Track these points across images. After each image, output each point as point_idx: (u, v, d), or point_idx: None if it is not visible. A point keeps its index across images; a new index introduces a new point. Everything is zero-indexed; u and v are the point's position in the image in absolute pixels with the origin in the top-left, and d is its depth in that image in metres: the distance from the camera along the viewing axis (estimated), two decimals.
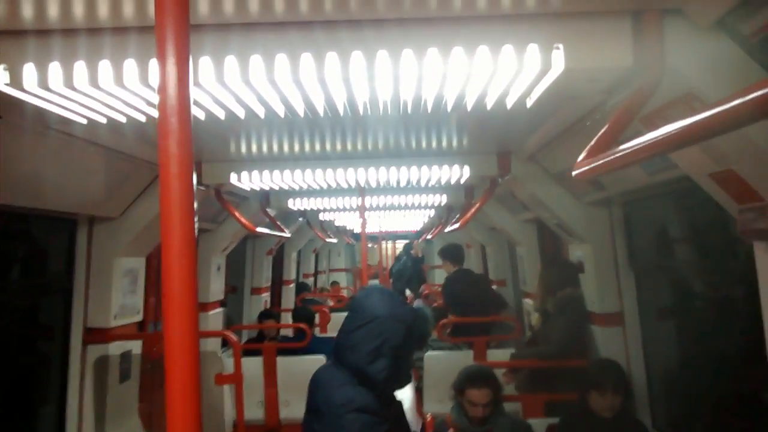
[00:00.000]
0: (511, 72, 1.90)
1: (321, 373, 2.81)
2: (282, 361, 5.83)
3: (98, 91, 1.99)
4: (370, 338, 2.59)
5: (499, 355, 5.87)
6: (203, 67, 1.87)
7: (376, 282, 12.87)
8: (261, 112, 2.34)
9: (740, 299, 3.28)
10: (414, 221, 10.29)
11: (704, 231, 3.52)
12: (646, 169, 2.94)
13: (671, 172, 2.74)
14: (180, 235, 0.92)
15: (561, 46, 1.81)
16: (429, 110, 2.39)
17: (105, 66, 1.89)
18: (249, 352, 6.06)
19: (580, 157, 1.72)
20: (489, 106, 2.30)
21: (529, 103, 2.26)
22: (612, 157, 1.58)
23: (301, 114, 2.39)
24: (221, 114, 2.37)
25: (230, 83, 1.93)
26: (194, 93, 2.07)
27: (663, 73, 1.78)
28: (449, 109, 2.36)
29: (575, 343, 4.20)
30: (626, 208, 4.09)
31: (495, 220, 6.48)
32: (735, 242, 3.26)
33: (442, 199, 6.20)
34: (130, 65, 1.89)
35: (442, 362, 6.00)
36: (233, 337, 4.44)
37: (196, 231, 0.93)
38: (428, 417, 3.90)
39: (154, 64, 1.89)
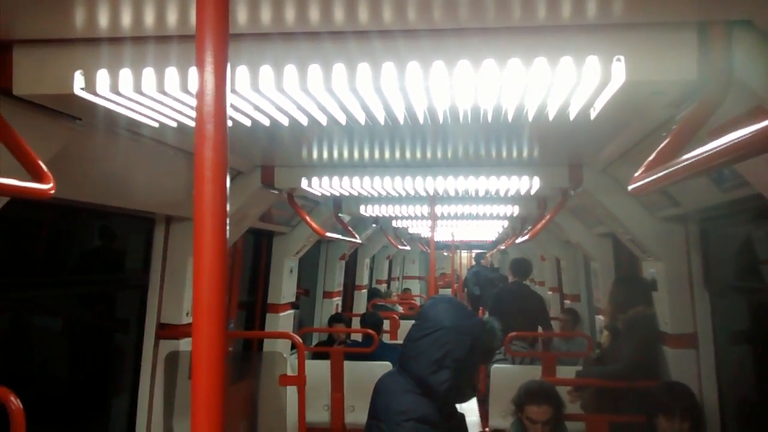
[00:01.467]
0: (570, 84, 1.87)
1: (384, 380, 2.83)
2: (349, 366, 5.88)
3: (164, 96, 2.09)
4: (434, 348, 2.59)
5: (568, 372, 5.74)
6: (262, 74, 1.93)
7: (448, 291, 12.83)
8: (322, 119, 2.40)
9: None
10: (488, 231, 10.19)
11: None
12: (719, 186, 2.82)
13: (744, 189, 2.62)
14: (211, 239, 0.95)
15: (622, 57, 1.77)
16: (490, 120, 2.38)
17: (171, 72, 1.99)
18: (318, 356, 6.15)
19: (638, 172, 1.68)
20: (550, 118, 2.27)
21: (593, 114, 2.22)
22: (667, 171, 1.53)
23: (362, 122, 2.43)
24: (284, 120, 2.44)
25: (289, 90, 1.99)
26: (254, 99, 2.15)
27: (729, 86, 1.71)
28: (509, 119, 2.35)
29: (645, 363, 4.06)
30: (703, 225, 3.92)
31: (569, 234, 6.36)
32: None
33: (515, 210, 6.13)
34: (191, 72, 1.98)
35: (509, 376, 5.91)
36: (298, 339, 4.53)
37: (227, 234, 0.96)
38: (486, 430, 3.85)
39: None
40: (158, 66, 1.99)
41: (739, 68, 1.72)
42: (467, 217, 6.95)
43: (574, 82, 1.85)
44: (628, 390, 3.98)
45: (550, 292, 10.51)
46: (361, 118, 2.40)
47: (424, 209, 6.25)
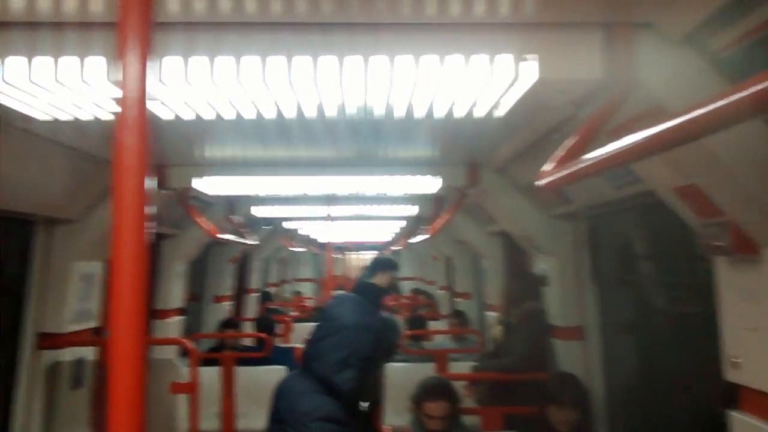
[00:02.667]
0: (482, 81, 1.90)
1: (286, 382, 2.77)
2: (241, 372, 5.72)
3: (61, 86, 1.93)
4: (338, 348, 2.56)
5: (461, 368, 5.87)
6: (169, 65, 1.83)
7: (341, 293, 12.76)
8: (230, 114, 2.30)
9: (700, 316, 3.33)
10: (383, 232, 10.26)
11: (667, 247, 3.57)
12: (612, 183, 2.97)
13: (636, 186, 2.77)
14: (132, 235, 0.88)
15: (533, 56, 1.82)
16: (396, 117, 2.37)
17: (69, 62, 1.84)
18: (208, 362, 5.95)
19: (545, 167, 1.72)
20: (460, 115, 2.30)
21: (499, 113, 2.27)
22: (576, 167, 1.58)
23: (271, 116, 2.36)
24: (191, 115, 2.32)
25: (197, 83, 1.89)
26: (160, 92, 2.03)
27: (632, 86, 1.80)
28: (420, 116, 2.36)
29: (537, 356, 4.21)
30: (591, 223, 4.12)
31: (463, 232, 6.50)
32: (696, 259, 3.31)
33: (412, 210, 6.20)
34: (94, 61, 1.84)
35: (403, 374, 5.96)
36: (190, 344, 4.35)
37: (150, 229, 0.89)
38: (388, 429, 3.86)
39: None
40: (55, 54, 1.83)
41: (641, 69, 1.81)
42: (365, 218, 6.96)
43: (487, 80, 1.87)
44: (521, 382, 4.12)
45: (441, 291, 10.74)
46: (272, 114, 2.32)
47: (320, 210, 6.20)
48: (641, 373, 3.84)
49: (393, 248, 12.75)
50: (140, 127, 0.90)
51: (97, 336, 4.40)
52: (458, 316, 7.32)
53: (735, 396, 2.14)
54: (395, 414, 5.43)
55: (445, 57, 1.81)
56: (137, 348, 0.88)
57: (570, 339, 4.15)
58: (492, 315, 6.32)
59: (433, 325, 9.01)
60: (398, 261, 13.89)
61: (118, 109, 0.93)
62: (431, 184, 4.33)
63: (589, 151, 1.66)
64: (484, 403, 4.37)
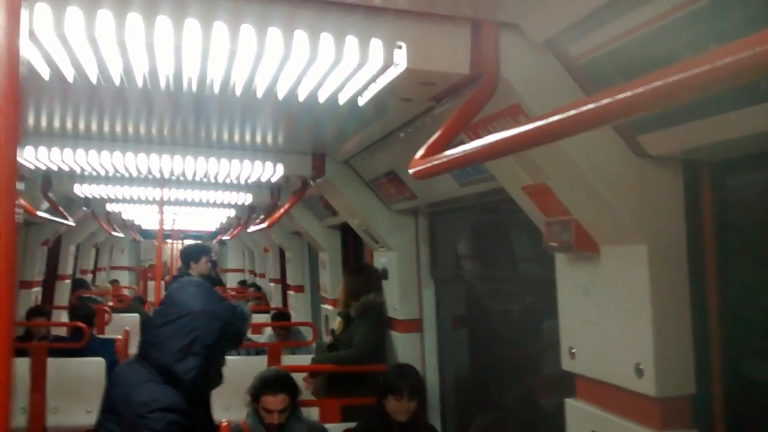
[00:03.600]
0: (352, 65, 1.84)
1: (120, 371, 2.55)
2: (54, 363, 5.24)
3: None
4: (181, 334, 2.38)
5: (295, 360, 5.80)
6: None
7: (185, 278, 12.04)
8: (45, 72, 2.04)
9: (525, 311, 3.54)
10: (210, 220, 9.86)
11: (498, 244, 3.76)
12: (459, 180, 3.05)
13: (483, 184, 2.86)
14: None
15: (403, 44, 1.79)
16: (241, 95, 2.24)
17: None
18: (17, 353, 5.37)
19: (417, 155, 1.71)
20: (323, 99, 2.22)
21: (362, 101, 2.23)
22: (446, 158, 1.58)
23: (94, 78, 2.11)
24: None
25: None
26: None
27: (498, 83, 1.83)
28: (273, 97, 2.24)
29: (375, 348, 4.26)
30: (432, 219, 4.24)
31: (300, 224, 6.42)
32: (524, 257, 3.52)
33: (247, 198, 5.99)
34: None
35: (237, 367, 5.77)
36: None
37: (15, 213, 0.73)
38: (224, 423, 3.69)
39: None
40: None
41: (505, 67, 1.85)
42: (196, 204, 6.62)
43: (357, 64, 1.82)
44: (360, 374, 4.14)
45: (272, 284, 10.58)
46: (94, 75, 2.08)
47: (147, 192, 5.81)
48: (471, 364, 4.02)
49: (222, 238, 12.36)
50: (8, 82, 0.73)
51: None
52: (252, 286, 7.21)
53: (572, 384, 2.27)
54: (225, 409, 5.24)
55: (318, 35, 1.73)
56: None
57: (408, 331, 4.24)
58: (328, 308, 6.32)
59: (264, 318, 8.87)
60: (223, 251, 13.44)
61: None
62: (273, 172, 4.20)
63: (456, 143, 1.68)
64: (322, 394, 4.34)
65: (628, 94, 0.94)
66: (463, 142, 1.60)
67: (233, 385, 5.07)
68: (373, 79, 1.97)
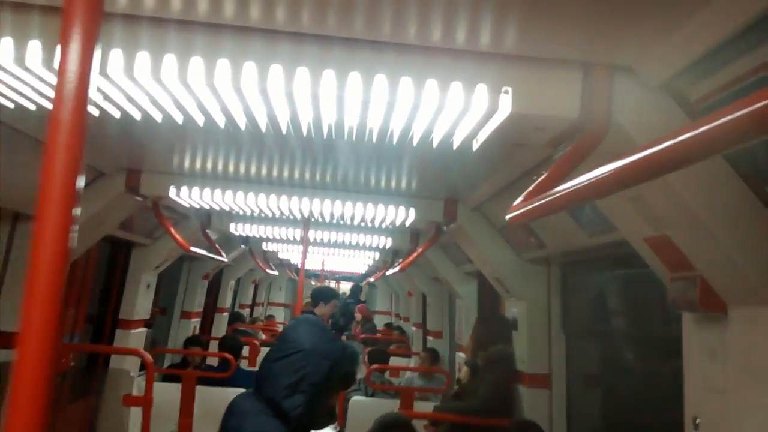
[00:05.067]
0: (457, 110, 1.85)
1: (237, 401, 2.67)
2: (202, 391, 5.58)
3: (25, 72, 1.87)
4: (290, 371, 2.46)
5: (427, 407, 5.76)
6: (139, 60, 1.77)
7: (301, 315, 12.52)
8: (199, 119, 2.25)
9: (667, 375, 3.27)
10: (358, 263, 10.17)
11: (637, 300, 3.53)
12: (586, 230, 2.93)
13: (608, 235, 2.73)
14: (52, 240, 0.80)
15: (509, 89, 1.78)
16: (375, 141, 2.33)
17: (34, 46, 1.78)
18: (170, 378, 5.80)
19: (516, 201, 1.68)
20: (434, 145, 2.26)
21: (475, 145, 2.23)
22: (542, 201, 1.53)
23: (244, 126, 2.30)
24: (158, 116, 2.26)
25: (168, 83, 1.84)
26: (129, 90, 1.97)
27: (608, 128, 1.76)
28: (397, 142, 2.31)
29: (501, 400, 4.12)
30: (564, 270, 4.09)
31: (438, 270, 6.45)
32: (665, 315, 3.27)
33: (387, 242, 6.13)
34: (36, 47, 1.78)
35: (367, 408, 5.84)
36: (148, 357, 4.23)
37: (73, 242, 0.82)
38: None
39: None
40: (19, 37, 1.77)
41: (618, 111, 1.78)
42: (340, 245, 6.88)
43: (462, 109, 1.83)
44: (483, 426, 4.02)
45: (414, 328, 10.63)
46: (242, 122, 2.27)
47: (297, 233, 6.13)
48: (605, 427, 3.76)
49: (369, 280, 12.66)
50: (75, 123, 0.82)
51: None
52: (429, 352, 7.22)
53: None
54: None
55: (424, 80, 1.77)
56: (46, 359, 0.79)
57: (536, 386, 4.07)
58: (461, 356, 6.24)
59: (404, 362, 8.91)
60: (373, 294, 13.75)
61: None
62: (406, 216, 4.28)
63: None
64: None
65: (743, 112, 0.86)
66: None
67: (360, 426, 5.14)
68: (483, 123, 1.97)
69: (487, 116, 1.88)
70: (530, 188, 1.70)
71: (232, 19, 1.71)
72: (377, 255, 8.38)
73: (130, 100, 2.11)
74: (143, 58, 1.77)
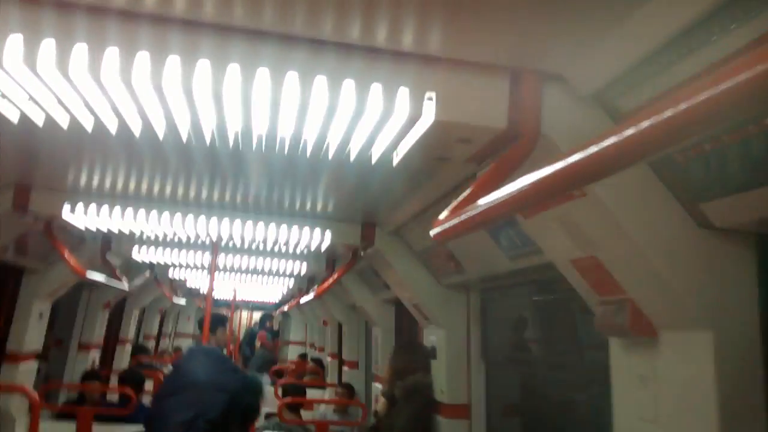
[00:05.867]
0: (376, 115, 1.69)
1: None
2: (99, 430, 5.13)
3: None
4: (183, 408, 2.19)
5: None
6: (44, 50, 1.52)
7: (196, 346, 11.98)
8: (88, 122, 1.99)
9: (591, 403, 3.19)
10: (272, 291, 9.82)
11: (558, 326, 3.46)
12: (508, 253, 2.83)
13: (533, 258, 2.63)
14: None
15: (433, 94, 1.64)
16: (286, 152, 2.14)
17: None
18: (65, 416, 5.32)
19: (441, 216, 1.53)
20: (352, 158, 2.09)
21: (396, 159, 2.07)
22: (471, 213, 1.39)
23: (138, 131, 2.06)
24: (63, 121, 1.98)
25: (44, 74, 1.59)
26: (29, 87, 1.69)
27: (538, 139, 1.65)
28: (308, 153, 2.13)
29: None
30: (484, 296, 3.98)
31: (355, 297, 6.25)
32: (589, 341, 3.20)
33: (302, 268, 5.89)
34: None
35: None
36: (33, 394, 3.82)
37: None
38: None
39: None
40: None
41: (548, 122, 1.66)
42: (252, 271, 6.58)
43: (381, 114, 1.68)
44: None
45: (330, 358, 10.34)
46: (137, 127, 2.03)
47: (206, 259, 5.80)
48: None
49: (283, 309, 12.30)
50: None
51: None
52: (346, 387, 6.98)
53: None
54: None
55: (341, 81, 1.60)
56: None
57: (455, 417, 3.91)
58: (379, 387, 6.04)
59: (318, 394, 8.61)
60: (287, 323, 13.35)
61: None
62: (321, 239, 4.08)
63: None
64: None
65: (665, 116, 0.74)
66: None
67: None
68: (402, 135, 1.82)
69: (408, 124, 1.73)
70: (455, 202, 1.56)
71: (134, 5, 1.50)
72: (291, 282, 8.09)
73: (31, 99, 1.83)
74: (48, 46, 1.52)
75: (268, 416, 6.65)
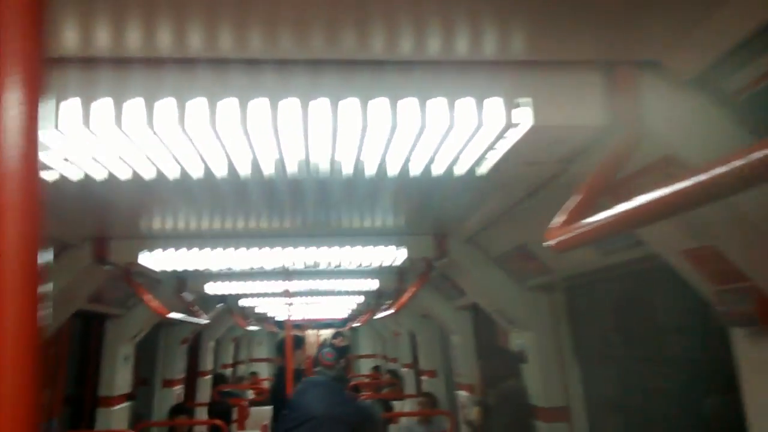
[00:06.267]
0: (468, 129, 1.64)
1: None
2: None
3: None
4: None
5: None
6: (99, 108, 1.52)
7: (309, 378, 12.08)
8: (173, 171, 1.99)
9: (694, 392, 3.05)
10: (341, 308, 9.84)
11: (651, 318, 3.32)
12: (601, 248, 2.72)
13: (627, 252, 2.52)
14: (16, 334, 0.62)
15: (527, 99, 1.57)
16: (366, 176, 2.10)
17: None
18: None
19: (554, 224, 1.45)
20: (438, 172, 2.03)
21: (481, 170, 2.01)
22: (593, 225, 1.32)
23: (222, 174, 2.06)
24: (126, 173, 2.00)
25: (132, 132, 1.59)
26: (88, 145, 1.71)
27: (640, 134, 1.56)
28: (393, 174, 2.08)
29: None
30: (569, 294, 3.86)
31: (428, 307, 6.18)
32: (689, 331, 3.07)
33: (373, 284, 5.86)
34: None
35: None
36: None
37: (45, 321, 0.64)
38: None
39: None
40: None
41: (648, 114, 1.58)
42: (324, 293, 6.59)
43: (474, 127, 1.62)
44: None
45: (405, 369, 10.28)
46: (222, 170, 2.03)
47: (276, 286, 5.83)
48: None
49: (353, 325, 12.31)
50: (27, 191, 0.62)
51: None
52: (428, 397, 6.90)
53: None
54: None
55: (426, 99, 1.55)
56: None
57: (554, 421, 3.81)
58: (463, 394, 5.95)
59: (398, 406, 8.55)
60: (355, 337, 13.36)
61: None
62: (396, 256, 4.04)
63: (598, 208, 1.41)
64: None
65: None
66: (604, 207, 1.34)
67: None
68: (492, 145, 1.76)
69: (500, 134, 1.67)
70: (568, 208, 1.48)
71: (202, 52, 1.49)
72: (362, 298, 8.09)
73: (91, 157, 1.85)
74: (104, 104, 1.52)
75: None
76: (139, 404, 7.41)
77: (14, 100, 0.62)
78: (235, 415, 7.10)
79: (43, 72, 0.65)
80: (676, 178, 1.08)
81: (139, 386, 7.42)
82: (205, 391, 9.15)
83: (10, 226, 0.62)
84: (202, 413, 7.97)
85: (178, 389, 7.91)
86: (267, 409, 8.19)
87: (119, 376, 5.63)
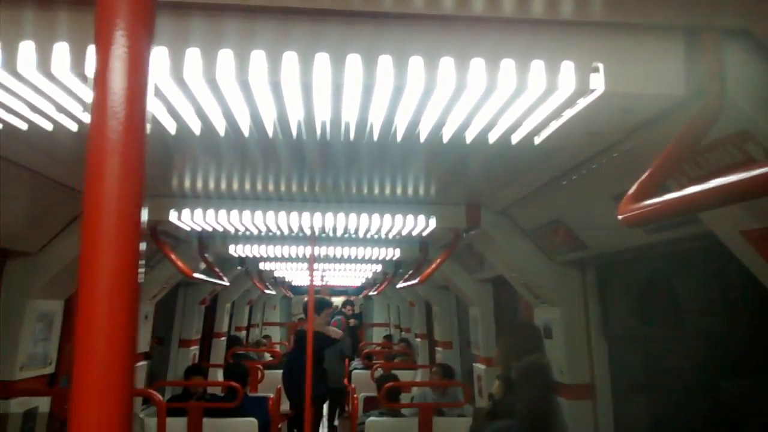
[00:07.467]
0: (536, 94, 1.56)
1: None
2: (209, 424, 5.24)
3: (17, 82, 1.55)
4: None
5: (445, 423, 5.45)
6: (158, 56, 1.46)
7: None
8: (196, 126, 1.94)
9: (719, 375, 3.00)
10: (357, 276, 9.83)
11: (686, 299, 3.26)
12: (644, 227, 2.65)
13: (677, 230, 2.45)
14: (123, 287, 0.63)
15: (601, 65, 1.50)
16: (424, 139, 2.03)
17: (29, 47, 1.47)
18: (173, 412, 5.45)
19: (630, 194, 1.38)
20: (493, 139, 1.96)
21: (538, 140, 1.94)
22: (674, 200, 1.24)
23: (246, 133, 2.00)
24: (172, 128, 1.95)
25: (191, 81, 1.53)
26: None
27: (722, 106, 1.48)
28: (446, 140, 2.01)
29: (541, 416, 3.82)
30: (600, 271, 3.80)
31: (449, 278, 6.13)
32: (714, 314, 3.01)
33: (396, 253, 5.81)
34: (62, 48, 1.47)
35: (384, 429, 5.53)
36: (158, 396, 3.90)
37: (140, 279, 0.65)
38: None
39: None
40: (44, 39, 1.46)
41: (732, 85, 1.50)
42: (345, 260, 6.55)
43: (544, 92, 1.54)
44: None
45: (419, 339, 10.31)
46: (246, 128, 1.97)
47: (299, 251, 5.80)
48: None
49: (368, 293, 12.33)
50: (132, 142, 0.64)
51: (51, 385, 3.91)
52: (442, 368, 6.90)
53: None
54: None
55: (498, 60, 1.48)
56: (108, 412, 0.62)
57: (577, 398, 3.77)
58: (480, 367, 5.94)
59: (410, 375, 8.57)
60: (369, 306, 13.36)
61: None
62: (426, 225, 3.98)
63: (672, 181, 1.35)
64: None
65: None
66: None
67: None
68: (559, 112, 1.68)
69: (570, 100, 1.59)
70: (641, 180, 1.41)
71: None
72: (379, 267, 8.05)
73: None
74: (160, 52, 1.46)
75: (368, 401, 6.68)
76: (155, 363, 7.47)
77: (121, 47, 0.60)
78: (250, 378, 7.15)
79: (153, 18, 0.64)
80: (748, 153, 1.01)
81: (156, 345, 7.48)
82: (219, 353, 9.22)
83: (114, 183, 0.61)
84: (215, 374, 8.05)
85: (194, 349, 7.97)
86: (280, 372, 8.26)
87: (138, 335, 5.65)
